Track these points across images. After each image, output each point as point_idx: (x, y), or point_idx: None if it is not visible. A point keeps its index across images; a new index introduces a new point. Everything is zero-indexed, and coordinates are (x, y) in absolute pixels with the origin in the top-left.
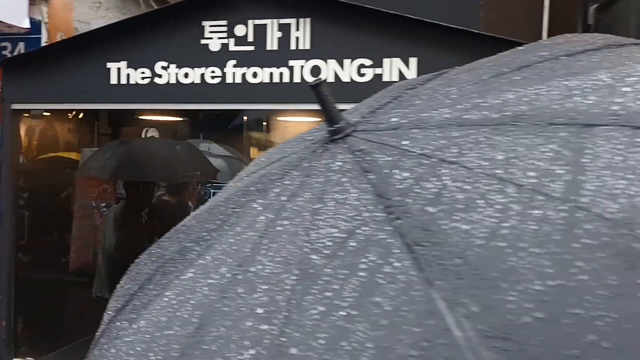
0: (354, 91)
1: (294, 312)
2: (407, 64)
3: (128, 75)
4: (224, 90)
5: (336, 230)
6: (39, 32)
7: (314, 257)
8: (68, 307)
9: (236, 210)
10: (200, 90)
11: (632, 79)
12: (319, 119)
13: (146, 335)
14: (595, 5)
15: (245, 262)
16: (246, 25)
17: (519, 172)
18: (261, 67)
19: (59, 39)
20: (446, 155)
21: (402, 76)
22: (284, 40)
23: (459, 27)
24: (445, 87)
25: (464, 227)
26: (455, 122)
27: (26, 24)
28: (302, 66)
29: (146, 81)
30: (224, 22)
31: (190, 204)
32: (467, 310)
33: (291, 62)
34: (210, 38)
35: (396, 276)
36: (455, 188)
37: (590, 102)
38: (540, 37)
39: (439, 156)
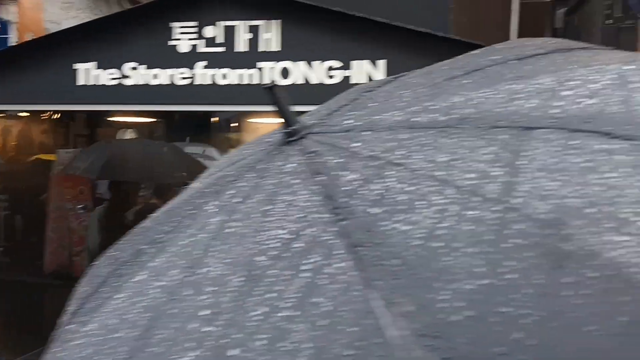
0: (323, 93)
1: (237, 314)
2: (375, 66)
3: (97, 76)
4: (194, 91)
5: (284, 231)
6: (8, 32)
7: (260, 258)
8: (43, 308)
9: (191, 212)
10: (170, 92)
11: (573, 82)
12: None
13: (96, 339)
14: (563, 9)
15: (196, 264)
16: (216, 26)
17: (459, 174)
18: (231, 69)
19: (28, 39)
20: (393, 157)
21: (370, 78)
22: (254, 41)
23: (426, 31)
24: (400, 90)
25: (403, 228)
26: (405, 124)
27: None
28: (271, 68)
29: (115, 82)
30: (194, 24)
31: None
32: (402, 310)
33: (261, 64)
34: (180, 39)
35: (337, 277)
36: (398, 189)
37: (532, 105)
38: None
39: (386, 158)
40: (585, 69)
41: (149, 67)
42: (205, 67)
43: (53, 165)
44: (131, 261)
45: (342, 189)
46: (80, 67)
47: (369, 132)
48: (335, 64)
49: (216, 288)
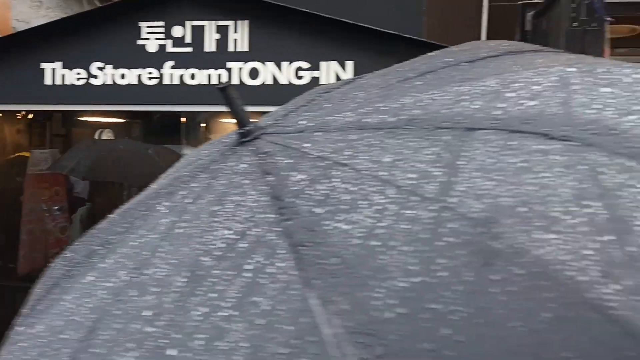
0: (291, 94)
1: (178, 314)
2: (343, 67)
3: (63, 75)
4: (162, 91)
5: (230, 232)
6: None
7: (205, 259)
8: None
9: (144, 212)
10: (137, 92)
11: (517, 84)
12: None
13: (41, 340)
14: (532, 12)
15: (143, 265)
16: (184, 26)
17: (401, 174)
18: (199, 69)
19: None
20: (340, 157)
21: (339, 79)
22: (222, 42)
23: (393, 32)
24: (355, 91)
25: (344, 227)
26: (355, 125)
27: None
28: (240, 68)
29: (82, 82)
30: (161, 23)
31: None
32: (338, 308)
33: (229, 64)
34: (148, 39)
35: (278, 276)
36: (343, 189)
37: (476, 106)
38: None
39: (333, 158)
40: (530, 71)
41: (116, 67)
42: (173, 67)
43: (27, 165)
44: (83, 262)
45: (290, 189)
46: (46, 66)
47: (320, 133)
48: (304, 64)
49: (160, 289)
